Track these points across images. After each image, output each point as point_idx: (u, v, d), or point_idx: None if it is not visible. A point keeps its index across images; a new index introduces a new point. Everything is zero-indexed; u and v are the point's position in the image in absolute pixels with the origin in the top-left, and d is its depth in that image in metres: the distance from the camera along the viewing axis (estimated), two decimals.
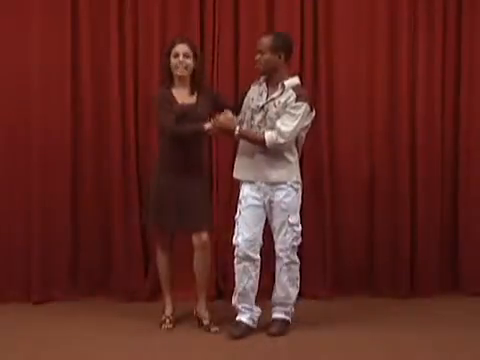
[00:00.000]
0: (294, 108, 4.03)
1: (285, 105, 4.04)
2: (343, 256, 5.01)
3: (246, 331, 4.14)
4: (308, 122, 4.15)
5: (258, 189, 4.12)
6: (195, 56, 4.19)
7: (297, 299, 4.27)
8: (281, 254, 4.15)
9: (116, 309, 4.65)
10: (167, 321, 4.28)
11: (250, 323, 4.18)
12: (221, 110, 4.23)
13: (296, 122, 4.02)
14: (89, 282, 4.92)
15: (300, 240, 4.20)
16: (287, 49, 4.10)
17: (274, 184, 4.10)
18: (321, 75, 4.92)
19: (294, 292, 4.23)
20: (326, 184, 4.95)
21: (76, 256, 4.92)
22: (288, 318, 4.24)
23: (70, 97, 4.81)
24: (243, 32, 4.87)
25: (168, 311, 4.33)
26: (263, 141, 4.01)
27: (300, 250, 4.57)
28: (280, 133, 4.00)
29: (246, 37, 4.80)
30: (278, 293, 4.21)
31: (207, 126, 4.07)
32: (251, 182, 4.14)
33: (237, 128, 4.04)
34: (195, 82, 4.22)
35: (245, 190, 4.16)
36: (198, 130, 4.10)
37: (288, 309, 4.23)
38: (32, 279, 4.82)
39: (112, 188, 4.86)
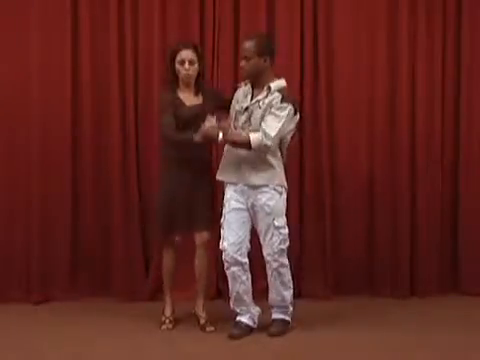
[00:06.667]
0: (279, 109, 3.98)
1: (270, 106, 3.99)
2: (343, 256, 5.01)
3: (246, 331, 4.14)
4: (293, 126, 4.09)
5: (241, 192, 4.08)
6: (199, 59, 4.18)
7: (297, 299, 4.27)
8: (269, 258, 4.09)
9: (116, 309, 4.65)
10: (167, 321, 4.28)
11: (250, 323, 4.18)
12: (224, 107, 4.21)
13: (280, 124, 3.96)
14: (89, 282, 4.92)
15: (288, 243, 4.13)
16: (272, 52, 4.07)
17: (256, 187, 4.04)
18: (321, 75, 4.92)
19: (289, 294, 4.19)
20: (326, 184, 4.94)
21: (76, 256, 4.91)
22: (288, 318, 4.23)
23: (70, 97, 4.82)
24: (243, 32, 4.86)
25: (168, 312, 4.33)
26: (248, 144, 3.94)
27: (300, 250, 4.58)
28: (265, 135, 3.94)
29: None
30: (273, 296, 4.18)
31: (196, 137, 3.99)
32: (234, 184, 4.10)
33: (220, 136, 3.95)
34: (199, 83, 4.22)
35: (228, 193, 4.12)
36: (188, 140, 4.03)
37: (287, 309, 4.22)
38: (32, 279, 4.82)
39: (112, 188, 4.86)
